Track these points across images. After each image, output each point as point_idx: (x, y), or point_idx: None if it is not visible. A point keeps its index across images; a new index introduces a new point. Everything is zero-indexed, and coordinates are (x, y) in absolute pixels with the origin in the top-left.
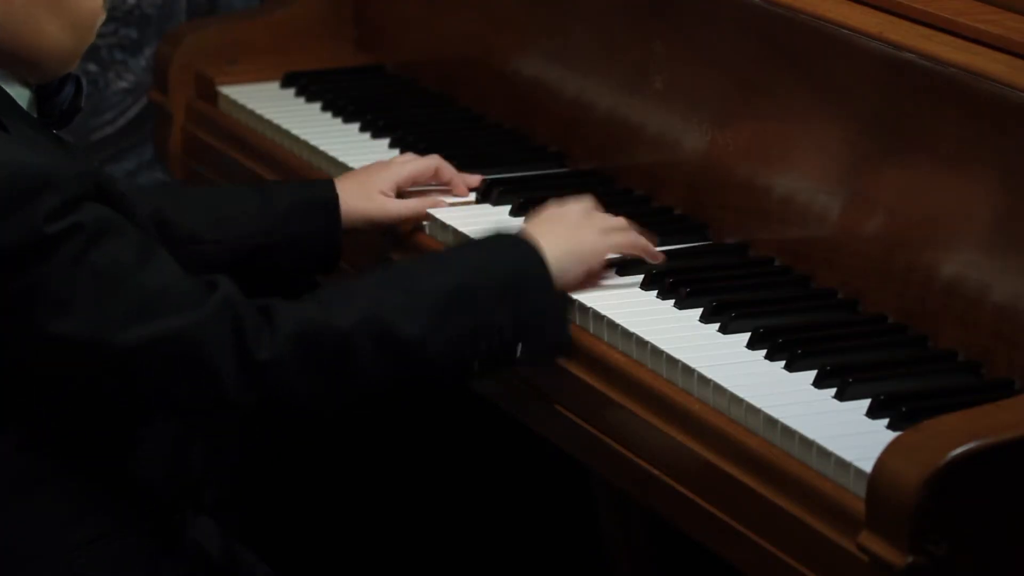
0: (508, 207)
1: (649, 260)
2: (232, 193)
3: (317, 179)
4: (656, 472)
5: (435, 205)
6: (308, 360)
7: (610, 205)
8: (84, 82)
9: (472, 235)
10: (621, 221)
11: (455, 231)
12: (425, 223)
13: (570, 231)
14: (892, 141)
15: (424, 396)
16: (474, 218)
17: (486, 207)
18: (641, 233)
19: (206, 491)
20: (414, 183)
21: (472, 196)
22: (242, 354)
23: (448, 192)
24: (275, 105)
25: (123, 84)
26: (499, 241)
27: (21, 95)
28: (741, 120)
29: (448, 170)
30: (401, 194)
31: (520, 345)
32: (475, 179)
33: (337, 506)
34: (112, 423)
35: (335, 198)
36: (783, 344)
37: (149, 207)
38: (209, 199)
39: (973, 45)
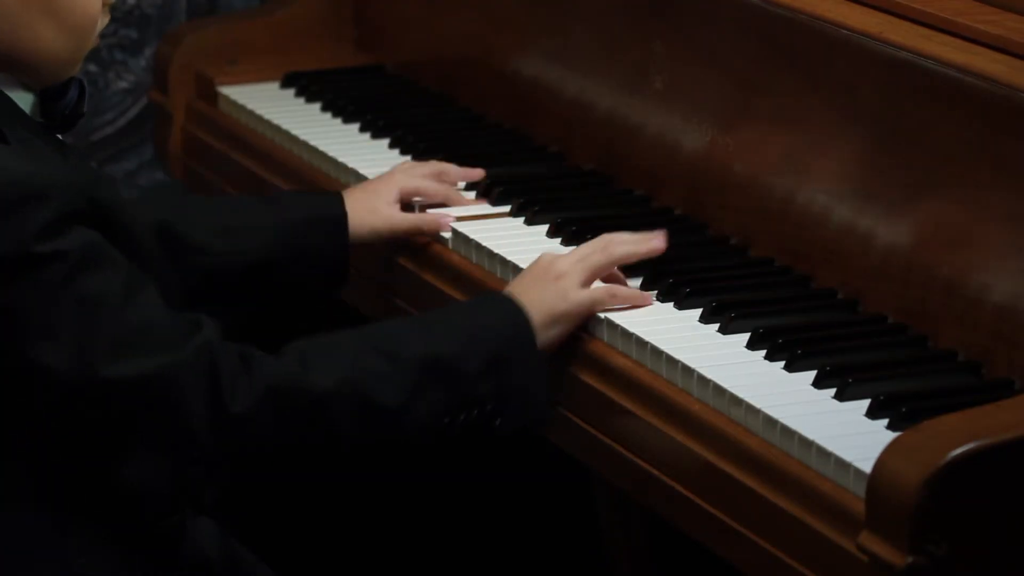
0: (508, 207)
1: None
2: (240, 205)
3: (326, 192)
4: (656, 472)
5: (440, 221)
6: (281, 418)
7: (610, 205)
8: (87, 86)
9: (470, 235)
10: (602, 262)
11: (454, 232)
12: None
13: (557, 291)
14: (892, 141)
15: (399, 459)
16: (476, 218)
17: (484, 204)
18: (646, 240)
19: (206, 492)
20: (418, 194)
21: (476, 209)
22: (216, 404)
23: (452, 203)
24: (275, 105)
25: (123, 84)
26: (486, 307)
27: (25, 99)
28: (741, 120)
29: (453, 172)
30: (409, 205)
31: (499, 420)
32: (477, 172)
33: (337, 506)
34: (111, 435)
35: (343, 214)
36: (783, 344)
37: (154, 218)
38: (217, 210)
39: (973, 45)
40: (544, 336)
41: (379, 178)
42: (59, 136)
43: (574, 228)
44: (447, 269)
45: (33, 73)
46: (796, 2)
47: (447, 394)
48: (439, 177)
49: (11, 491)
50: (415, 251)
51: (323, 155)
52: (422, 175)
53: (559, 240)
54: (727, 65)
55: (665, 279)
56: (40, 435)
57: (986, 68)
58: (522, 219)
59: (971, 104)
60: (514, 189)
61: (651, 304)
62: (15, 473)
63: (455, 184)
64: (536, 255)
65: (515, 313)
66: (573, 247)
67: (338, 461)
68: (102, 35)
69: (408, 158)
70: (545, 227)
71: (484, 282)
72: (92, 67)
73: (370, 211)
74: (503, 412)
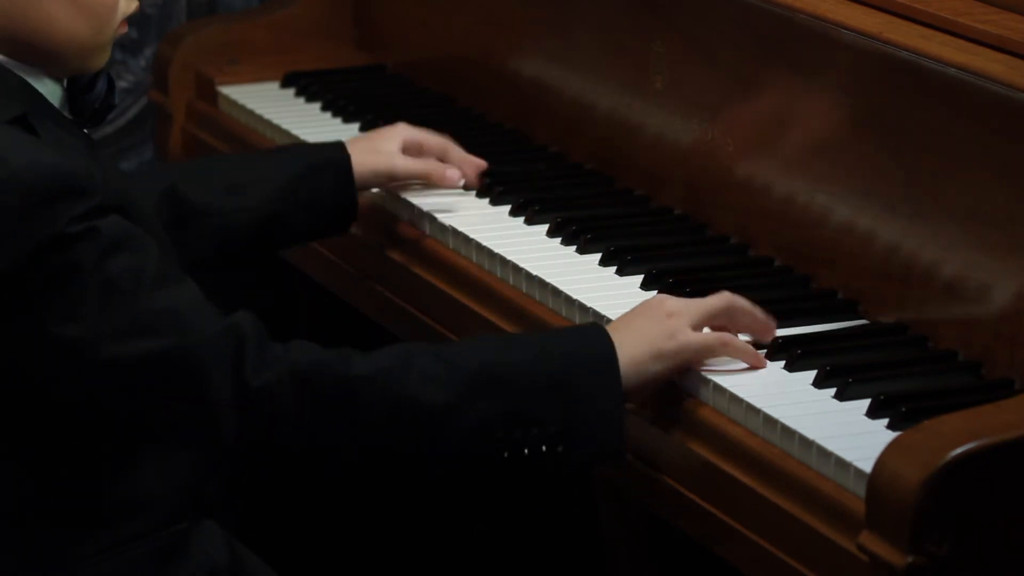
0: (508, 207)
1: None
2: (243, 161)
3: (326, 142)
4: (656, 472)
5: (447, 173)
6: (305, 398)
7: (610, 205)
8: (115, 79)
9: (470, 235)
10: (719, 306)
11: (454, 231)
12: (426, 224)
13: (665, 328)
14: (892, 141)
15: (446, 474)
16: (472, 215)
17: (484, 204)
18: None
19: (210, 492)
20: (419, 149)
21: (473, 193)
22: (237, 380)
23: (450, 156)
24: (275, 105)
25: (123, 84)
26: (571, 331)
27: (54, 93)
28: (741, 120)
29: (457, 152)
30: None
31: (563, 446)
32: (481, 163)
33: (340, 506)
34: (118, 439)
35: (347, 158)
36: (783, 344)
37: (162, 184)
38: (220, 169)
39: (973, 45)
40: (648, 369)
41: (381, 128)
42: (87, 132)
43: (574, 228)
44: (447, 269)
45: (58, 60)
46: (796, 2)
47: (501, 406)
48: (444, 151)
49: (18, 501)
50: (414, 250)
51: None
52: (427, 137)
53: (559, 240)
54: (727, 65)
55: (665, 279)
56: (52, 435)
57: (986, 68)
58: (522, 219)
59: (971, 104)
60: (514, 188)
61: (764, 366)
62: (23, 483)
63: (459, 165)
64: (536, 254)
65: (598, 339)
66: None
67: (376, 461)
68: None
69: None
70: (545, 227)
71: (484, 282)
72: None
73: (371, 151)
74: (568, 439)
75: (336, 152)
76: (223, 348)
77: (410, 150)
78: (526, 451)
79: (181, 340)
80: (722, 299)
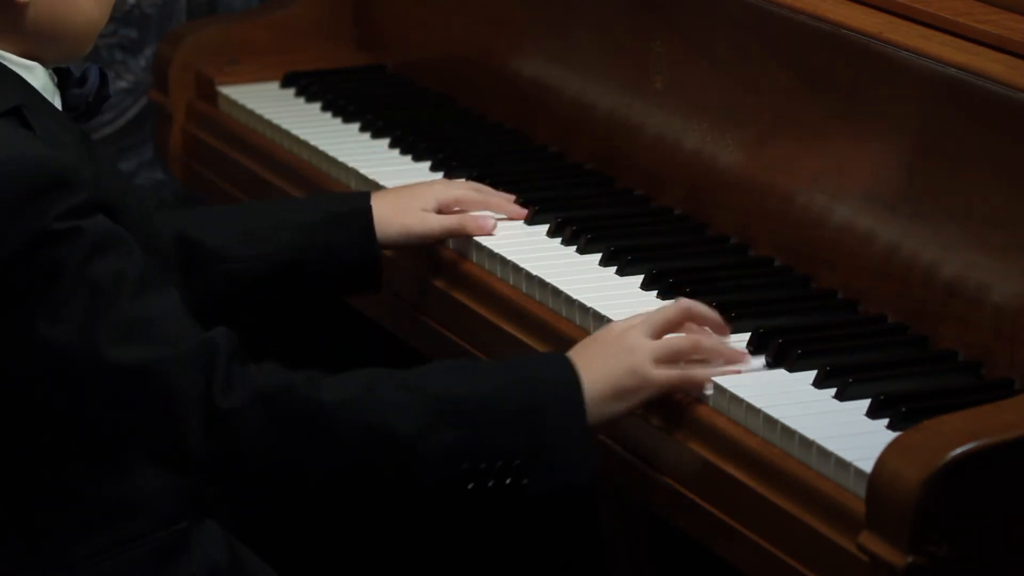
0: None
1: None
2: (261, 208)
3: (351, 191)
4: (656, 472)
5: (476, 224)
6: (273, 421)
7: (610, 205)
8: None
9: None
10: (684, 345)
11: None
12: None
13: (621, 362)
14: (891, 141)
15: (411, 502)
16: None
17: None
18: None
19: (205, 495)
20: (457, 205)
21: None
22: (206, 399)
23: (494, 210)
24: (275, 105)
25: (123, 84)
26: (536, 361)
27: (46, 88)
28: (741, 120)
29: (494, 197)
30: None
31: (527, 479)
32: (513, 201)
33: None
34: (100, 444)
35: (368, 209)
36: (784, 345)
37: (173, 229)
38: (235, 215)
39: (973, 45)
40: (607, 409)
41: (415, 184)
42: (84, 129)
43: (574, 228)
44: (447, 269)
45: (58, 46)
46: (796, 2)
47: (467, 436)
48: (483, 203)
49: (18, 501)
50: (414, 249)
51: (323, 155)
52: (466, 194)
53: (559, 240)
54: (727, 65)
55: (665, 279)
56: (49, 434)
57: (986, 68)
58: (522, 219)
59: (971, 104)
60: (514, 189)
61: (741, 360)
62: (22, 483)
63: (497, 208)
64: (536, 254)
65: (564, 371)
66: (637, 314)
67: (342, 487)
68: (102, 35)
69: (408, 158)
70: (545, 227)
71: (484, 282)
72: None
73: (401, 210)
74: (533, 471)
75: (357, 203)
76: (195, 366)
77: (445, 209)
78: (491, 483)
79: (155, 353)
80: (689, 342)
